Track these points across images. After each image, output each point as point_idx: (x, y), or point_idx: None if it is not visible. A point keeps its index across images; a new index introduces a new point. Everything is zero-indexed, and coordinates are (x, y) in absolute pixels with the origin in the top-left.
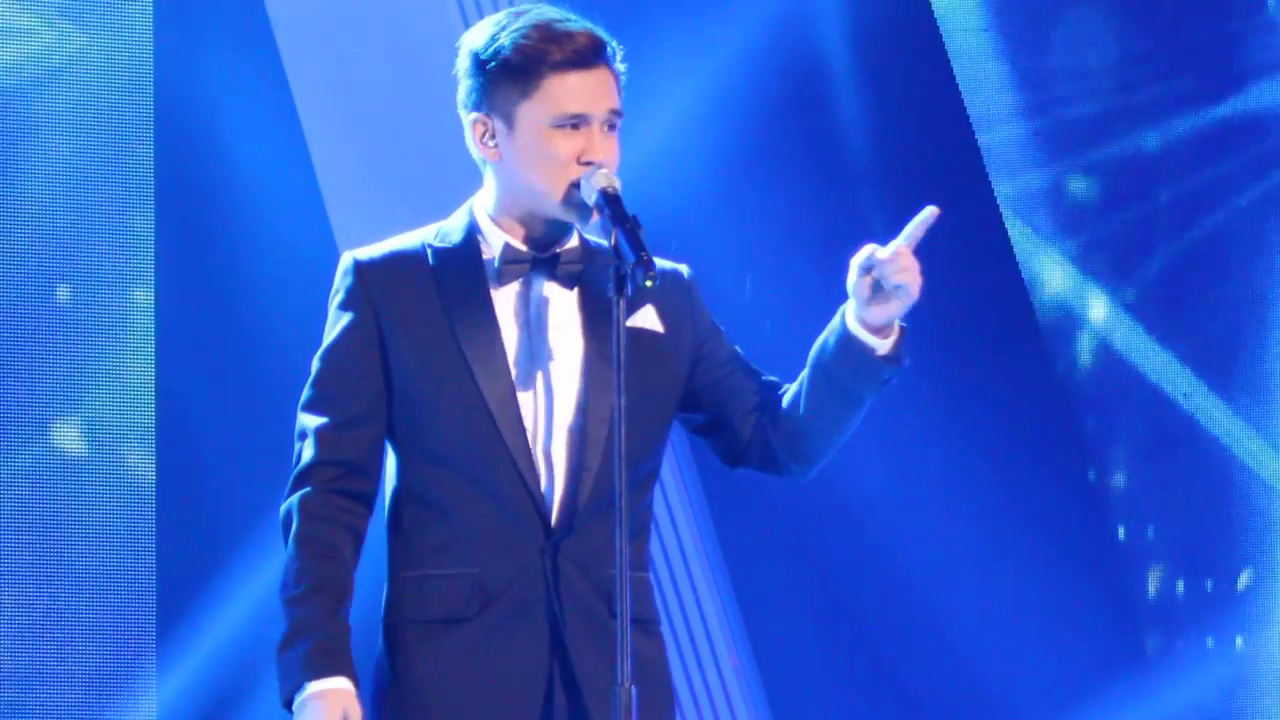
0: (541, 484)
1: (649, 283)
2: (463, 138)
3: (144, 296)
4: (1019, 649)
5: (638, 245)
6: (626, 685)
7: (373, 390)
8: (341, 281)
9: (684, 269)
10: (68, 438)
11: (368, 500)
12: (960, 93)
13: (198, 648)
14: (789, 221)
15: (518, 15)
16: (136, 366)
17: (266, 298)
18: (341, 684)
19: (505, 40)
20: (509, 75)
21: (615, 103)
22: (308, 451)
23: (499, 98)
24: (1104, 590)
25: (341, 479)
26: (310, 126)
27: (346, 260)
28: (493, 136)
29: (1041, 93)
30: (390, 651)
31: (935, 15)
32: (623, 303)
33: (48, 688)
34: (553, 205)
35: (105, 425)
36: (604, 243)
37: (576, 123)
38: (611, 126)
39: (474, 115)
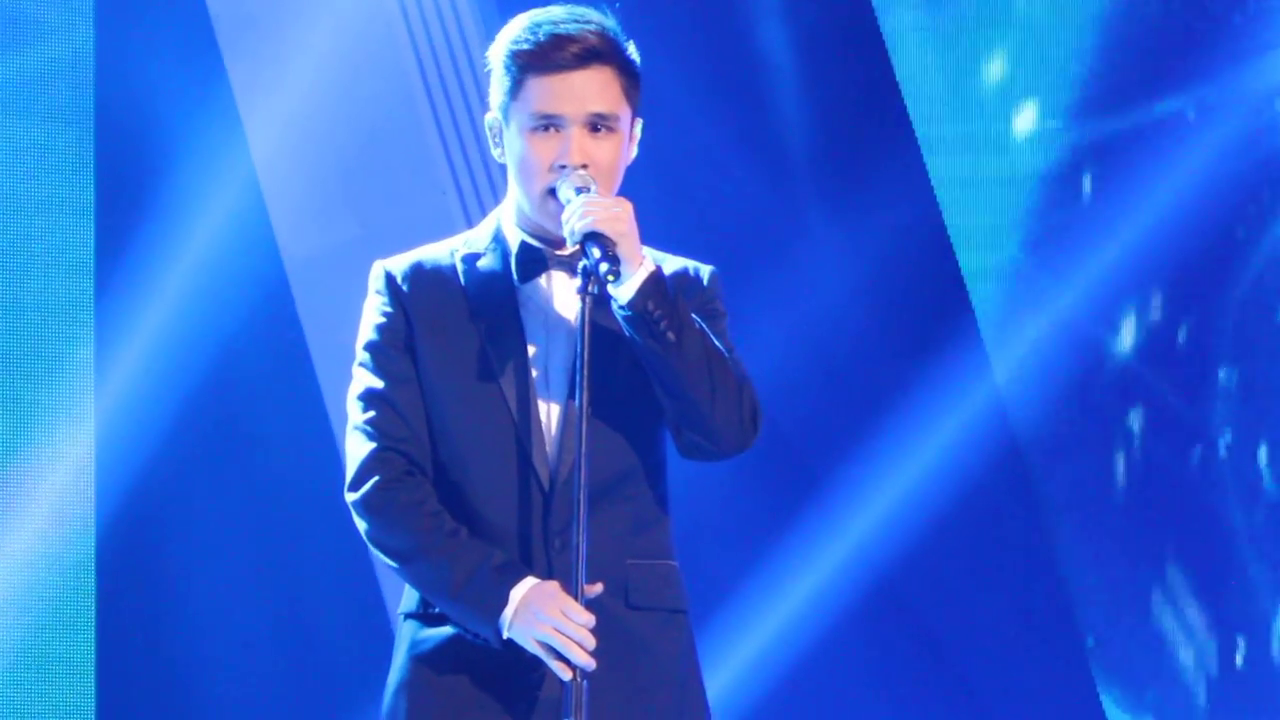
0: (559, 481)
1: (611, 278)
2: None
3: (85, 287)
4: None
5: (604, 241)
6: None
7: (413, 380)
8: (373, 288)
9: (706, 269)
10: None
11: (427, 470)
12: (899, 87)
13: (139, 640)
14: (732, 220)
15: (530, 16)
16: (76, 373)
17: (209, 302)
18: (542, 581)
19: (505, 40)
20: (503, 75)
21: (600, 104)
22: (368, 443)
23: (500, 97)
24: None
25: (406, 461)
26: (251, 127)
27: (377, 269)
28: (499, 137)
29: (984, 93)
30: (404, 645)
31: (874, 11)
32: (589, 300)
33: None
34: (535, 209)
35: (43, 439)
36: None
37: (548, 124)
38: (596, 128)
39: (488, 115)
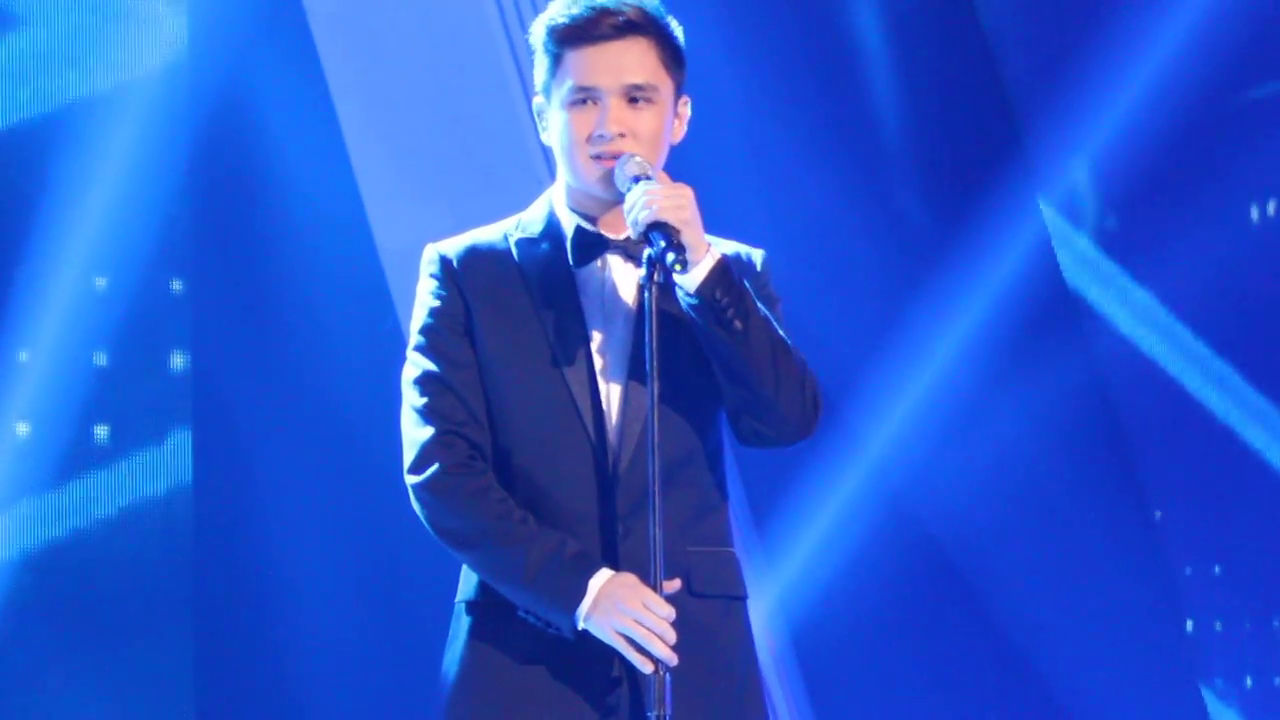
0: (622, 466)
1: (678, 267)
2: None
3: (179, 288)
4: (1061, 628)
5: (668, 231)
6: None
7: (472, 364)
8: (426, 271)
9: (758, 253)
10: (104, 434)
11: (488, 454)
12: (997, 73)
13: (236, 643)
14: (824, 207)
15: None
16: (173, 359)
17: (306, 293)
18: (618, 572)
19: (544, 19)
20: (543, 54)
21: (637, 75)
22: (427, 426)
23: (542, 77)
24: (1141, 572)
25: (468, 445)
26: (347, 119)
27: (430, 252)
28: (545, 119)
29: (1078, 76)
30: (463, 633)
31: None
32: (655, 289)
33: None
34: (583, 180)
35: (140, 420)
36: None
37: (585, 98)
38: (634, 100)
39: (535, 99)
